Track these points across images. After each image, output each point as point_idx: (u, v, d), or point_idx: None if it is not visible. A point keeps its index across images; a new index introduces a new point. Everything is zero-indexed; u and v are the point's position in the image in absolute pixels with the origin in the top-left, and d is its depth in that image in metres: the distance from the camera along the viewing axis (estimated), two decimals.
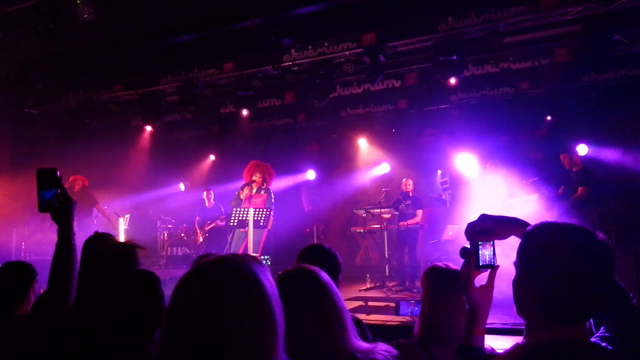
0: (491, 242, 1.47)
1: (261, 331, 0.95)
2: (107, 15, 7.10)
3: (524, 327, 1.28)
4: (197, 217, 9.63)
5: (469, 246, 1.48)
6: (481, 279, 1.50)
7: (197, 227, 9.56)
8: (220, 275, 0.98)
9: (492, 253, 1.47)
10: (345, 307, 1.53)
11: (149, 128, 10.98)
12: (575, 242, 1.18)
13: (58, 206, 1.92)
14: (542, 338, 1.20)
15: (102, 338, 1.43)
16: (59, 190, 1.92)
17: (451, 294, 2.03)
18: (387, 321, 5.45)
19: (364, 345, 1.49)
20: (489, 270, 1.48)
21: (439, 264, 2.22)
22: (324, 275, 1.55)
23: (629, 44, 7.69)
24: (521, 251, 1.27)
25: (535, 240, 1.24)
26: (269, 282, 1.02)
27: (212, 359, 0.90)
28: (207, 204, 9.59)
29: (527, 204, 7.06)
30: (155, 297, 1.56)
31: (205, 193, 9.64)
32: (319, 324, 1.45)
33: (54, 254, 1.91)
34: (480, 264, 1.46)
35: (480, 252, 1.46)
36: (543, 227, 1.25)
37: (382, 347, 1.53)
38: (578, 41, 7.58)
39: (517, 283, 1.27)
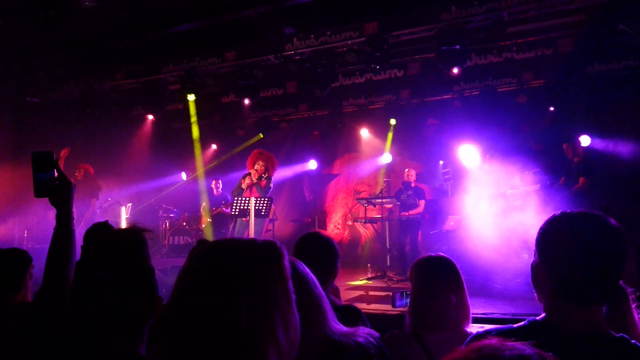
0: None
1: (272, 311, 0.95)
2: (108, 3, 7.08)
3: (523, 317, 1.31)
4: (204, 203, 9.72)
5: None
6: None
7: (202, 212, 9.64)
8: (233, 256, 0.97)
9: None
10: (322, 292, 1.54)
11: (150, 117, 10.97)
12: (583, 226, 1.30)
13: (55, 190, 1.83)
14: (554, 315, 1.32)
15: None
16: (56, 174, 1.83)
17: (437, 282, 2.10)
18: (388, 311, 5.47)
19: (343, 328, 1.50)
20: None
21: (430, 254, 2.27)
22: (301, 265, 1.55)
23: (633, 34, 7.61)
24: (538, 236, 1.39)
25: (549, 225, 1.37)
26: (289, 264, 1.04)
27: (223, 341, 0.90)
28: (215, 192, 9.70)
29: (529, 194, 7.05)
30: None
31: (213, 182, 9.75)
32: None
33: (51, 240, 1.86)
34: None
35: None
36: (558, 214, 1.38)
37: (364, 331, 1.54)
38: (582, 31, 7.52)
39: (534, 265, 1.40)
